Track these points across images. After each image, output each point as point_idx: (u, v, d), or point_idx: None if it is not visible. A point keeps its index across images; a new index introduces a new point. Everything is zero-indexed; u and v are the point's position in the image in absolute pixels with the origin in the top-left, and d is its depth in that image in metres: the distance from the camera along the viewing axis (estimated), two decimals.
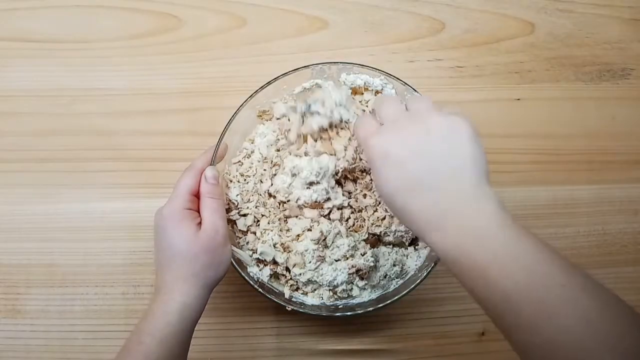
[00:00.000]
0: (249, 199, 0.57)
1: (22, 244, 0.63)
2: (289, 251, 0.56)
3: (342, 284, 0.56)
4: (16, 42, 0.67)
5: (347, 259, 0.55)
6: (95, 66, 0.67)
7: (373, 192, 0.56)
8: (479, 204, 0.39)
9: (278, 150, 0.58)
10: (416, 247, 0.59)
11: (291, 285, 0.57)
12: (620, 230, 0.66)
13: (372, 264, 0.55)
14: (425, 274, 0.55)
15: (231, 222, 0.57)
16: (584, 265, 0.65)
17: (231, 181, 0.57)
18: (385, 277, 0.58)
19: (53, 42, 0.67)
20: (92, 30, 0.68)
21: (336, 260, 0.55)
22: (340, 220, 0.56)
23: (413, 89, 0.57)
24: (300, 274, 0.55)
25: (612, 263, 0.66)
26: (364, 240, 0.56)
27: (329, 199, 0.55)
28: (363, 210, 0.57)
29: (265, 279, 0.57)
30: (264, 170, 0.57)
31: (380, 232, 0.56)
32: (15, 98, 0.66)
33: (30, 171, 0.65)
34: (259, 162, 0.58)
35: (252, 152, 0.59)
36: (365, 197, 0.56)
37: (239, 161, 0.59)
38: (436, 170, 0.40)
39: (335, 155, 0.54)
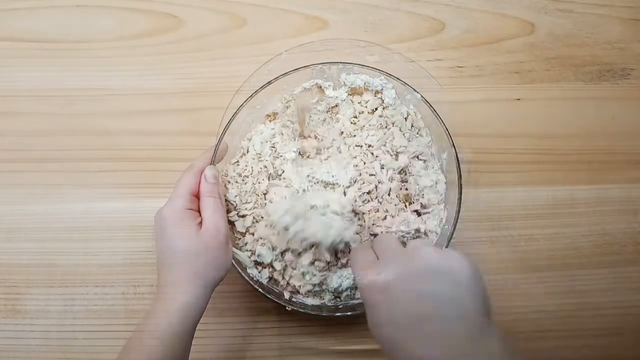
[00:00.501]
0: (247, 200, 0.57)
1: (22, 244, 0.63)
2: (292, 267, 0.55)
3: (347, 289, 0.55)
4: (16, 42, 0.67)
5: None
6: (95, 66, 0.67)
7: (376, 199, 0.56)
8: (486, 347, 0.38)
9: (273, 147, 0.58)
10: None
11: (291, 291, 0.57)
12: (620, 230, 0.66)
13: None
14: None
15: (230, 223, 0.57)
16: (584, 265, 0.65)
17: (229, 182, 0.57)
18: None
19: (53, 42, 0.67)
20: (92, 30, 0.68)
21: (340, 268, 0.55)
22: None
23: (413, 89, 0.57)
24: (300, 286, 0.55)
25: (612, 263, 0.65)
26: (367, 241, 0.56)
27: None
28: (365, 213, 0.57)
29: (265, 281, 0.57)
30: (260, 169, 0.57)
31: (381, 232, 0.56)
32: (15, 98, 0.66)
33: (30, 171, 0.65)
34: (253, 159, 0.58)
35: (248, 150, 0.59)
36: (365, 203, 0.56)
37: (236, 161, 0.59)
38: (440, 309, 0.39)
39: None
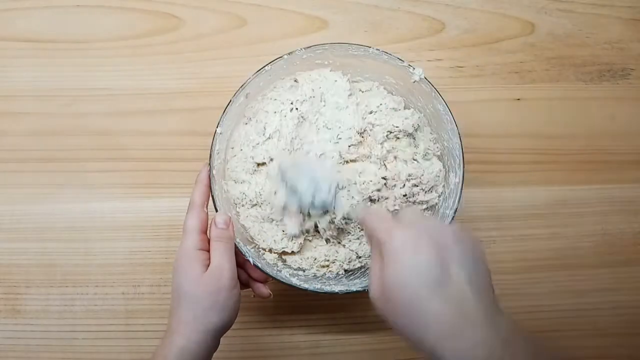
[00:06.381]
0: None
1: (22, 244, 0.63)
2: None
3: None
4: (16, 42, 0.67)
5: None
6: (95, 66, 0.67)
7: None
8: (497, 321, 0.37)
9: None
10: None
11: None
12: (620, 230, 0.66)
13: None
14: None
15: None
16: (584, 265, 0.65)
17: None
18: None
19: (53, 42, 0.67)
20: (92, 30, 0.68)
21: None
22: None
23: (439, 93, 0.56)
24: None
25: (612, 263, 0.66)
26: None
27: None
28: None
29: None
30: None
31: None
32: (15, 98, 0.66)
33: (30, 171, 0.65)
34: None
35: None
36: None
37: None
38: (463, 278, 0.38)
39: None
